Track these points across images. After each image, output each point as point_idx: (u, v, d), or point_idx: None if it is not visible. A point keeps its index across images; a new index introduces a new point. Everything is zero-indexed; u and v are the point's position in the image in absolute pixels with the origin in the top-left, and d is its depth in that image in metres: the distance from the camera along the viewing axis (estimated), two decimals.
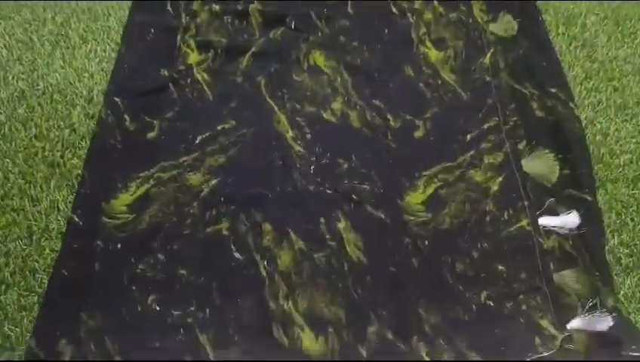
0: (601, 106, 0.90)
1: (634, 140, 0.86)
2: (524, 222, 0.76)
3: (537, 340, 0.67)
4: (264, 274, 0.72)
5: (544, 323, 0.68)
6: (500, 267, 0.73)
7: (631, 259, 0.74)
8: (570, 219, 0.76)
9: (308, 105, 0.87)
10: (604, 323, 0.67)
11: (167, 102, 0.87)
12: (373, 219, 0.77)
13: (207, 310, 0.69)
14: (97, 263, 0.72)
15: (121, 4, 1.00)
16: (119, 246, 0.74)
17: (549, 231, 0.75)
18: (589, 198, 0.77)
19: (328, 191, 0.79)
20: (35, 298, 0.70)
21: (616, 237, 0.76)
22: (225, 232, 0.75)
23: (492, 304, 0.70)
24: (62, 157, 0.82)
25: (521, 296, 0.70)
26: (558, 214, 0.76)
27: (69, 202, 0.77)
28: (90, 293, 0.70)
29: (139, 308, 0.69)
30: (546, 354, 0.65)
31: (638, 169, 0.83)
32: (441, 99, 0.88)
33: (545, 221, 0.76)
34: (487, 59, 0.91)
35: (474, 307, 0.70)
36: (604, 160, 0.83)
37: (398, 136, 0.84)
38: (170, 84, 0.88)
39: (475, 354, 0.66)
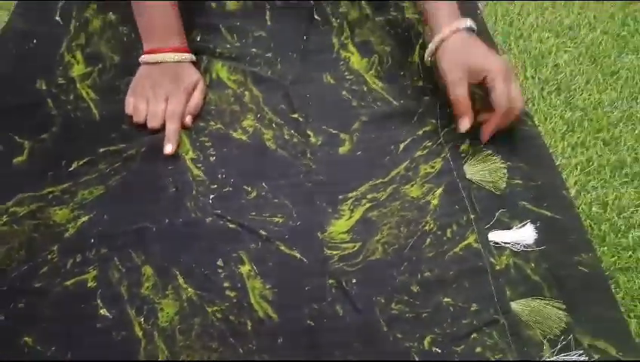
0: (592, 166, 0.69)
1: None
2: (471, 239, 0.61)
3: None
4: (139, 333, 0.54)
5: None
6: (446, 299, 0.58)
7: None
8: (525, 233, 0.61)
9: (214, 123, 0.72)
10: None
11: (44, 120, 0.71)
12: (286, 260, 0.60)
13: None
14: None
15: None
16: None
17: (501, 248, 0.61)
18: (549, 214, 0.64)
19: (230, 226, 0.63)
20: None
21: None
22: (90, 283, 0.58)
23: (439, 350, 0.54)
24: None
25: (473, 335, 0.55)
26: (510, 228, 0.62)
27: None
28: None
29: None
30: None
31: None
32: (369, 107, 0.74)
33: (496, 236, 0.62)
34: (415, 56, 0.79)
35: (416, 358, 0.54)
36: (608, 240, 0.62)
37: (319, 154, 0.70)
38: (48, 100, 0.72)
39: None
